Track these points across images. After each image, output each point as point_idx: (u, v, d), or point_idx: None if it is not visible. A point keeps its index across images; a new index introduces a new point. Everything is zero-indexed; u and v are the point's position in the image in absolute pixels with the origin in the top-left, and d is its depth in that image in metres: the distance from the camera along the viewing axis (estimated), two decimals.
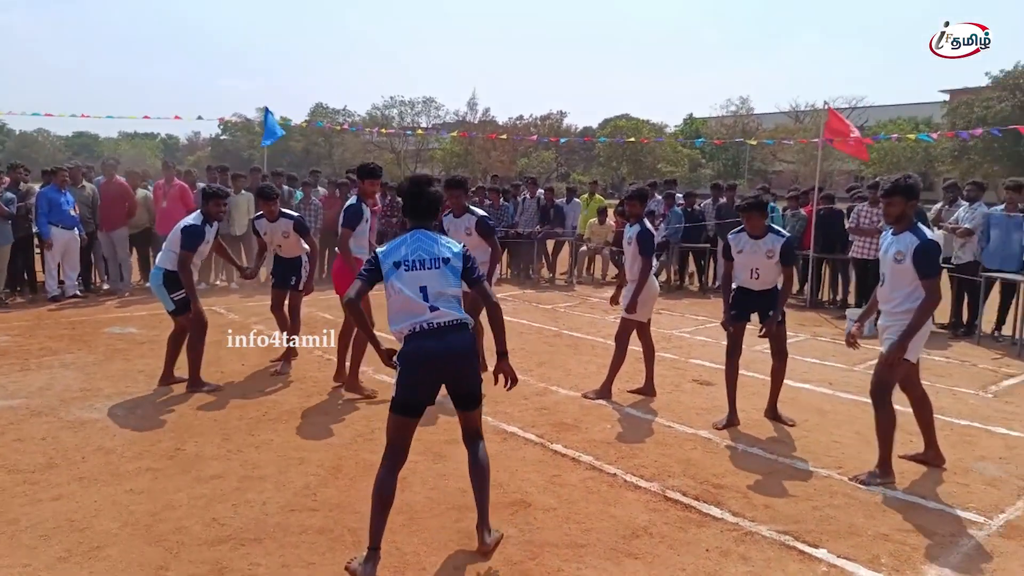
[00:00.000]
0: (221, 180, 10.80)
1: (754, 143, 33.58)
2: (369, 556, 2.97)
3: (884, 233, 4.23)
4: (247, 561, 3.07)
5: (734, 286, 5.11)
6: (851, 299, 9.76)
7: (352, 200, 5.42)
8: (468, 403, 3.26)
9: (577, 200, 12.98)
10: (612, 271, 12.61)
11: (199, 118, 56.98)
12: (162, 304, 5.61)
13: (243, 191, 10.75)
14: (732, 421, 5.00)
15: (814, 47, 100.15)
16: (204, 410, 5.07)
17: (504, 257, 12.66)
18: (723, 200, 11.70)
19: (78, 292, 9.40)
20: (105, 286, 10.09)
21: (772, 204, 11.15)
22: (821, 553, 3.25)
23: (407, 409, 3.13)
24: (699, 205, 12.08)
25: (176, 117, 25.69)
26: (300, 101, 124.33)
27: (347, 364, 5.55)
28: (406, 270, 3.08)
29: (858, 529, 3.48)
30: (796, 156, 40.65)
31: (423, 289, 3.08)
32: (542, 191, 13.08)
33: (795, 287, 10.83)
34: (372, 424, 4.84)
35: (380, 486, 3.04)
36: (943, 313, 8.91)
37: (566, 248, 12.85)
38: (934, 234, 3.96)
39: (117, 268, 9.97)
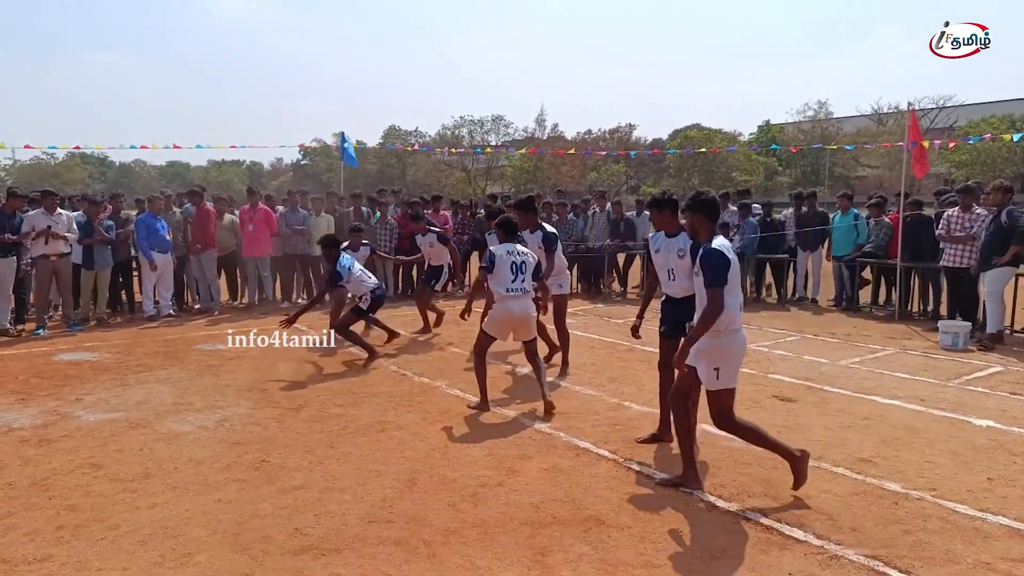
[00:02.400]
0: (301, 203, 11.27)
1: (834, 148, 32.31)
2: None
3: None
4: (328, 571, 3.16)
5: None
6: (943, 310, 9.22)
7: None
8: None
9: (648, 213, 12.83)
10: None
11: (281, 146, 59.53)
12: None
13: (323, 213, 11.16)
14: (660, 436, 4.84)
15: (895, 44, 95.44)
16: (287, 423, 5.26)
17: (574, 271, 12.66)
18: (805, 209, 11.34)
19: (172, 311, 9.97)
20: (196, 306, 10.66)
21: (855, 211, 10.74)
22: None
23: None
24: (780, 215, 11.75)
25: (264, 146, 26.97)
26: (375, 124, 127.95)
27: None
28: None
29: (956, 556, 3.27)
30: (880, 160, 38.95)
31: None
32: (611, 205, 13.01)
33: (883, 297, 10.37)
34: (445, 440, 4.91)
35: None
36: None
37: (637, 261, 12.72)
38: None
39: (207, 289, 10.52)
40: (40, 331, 8.67)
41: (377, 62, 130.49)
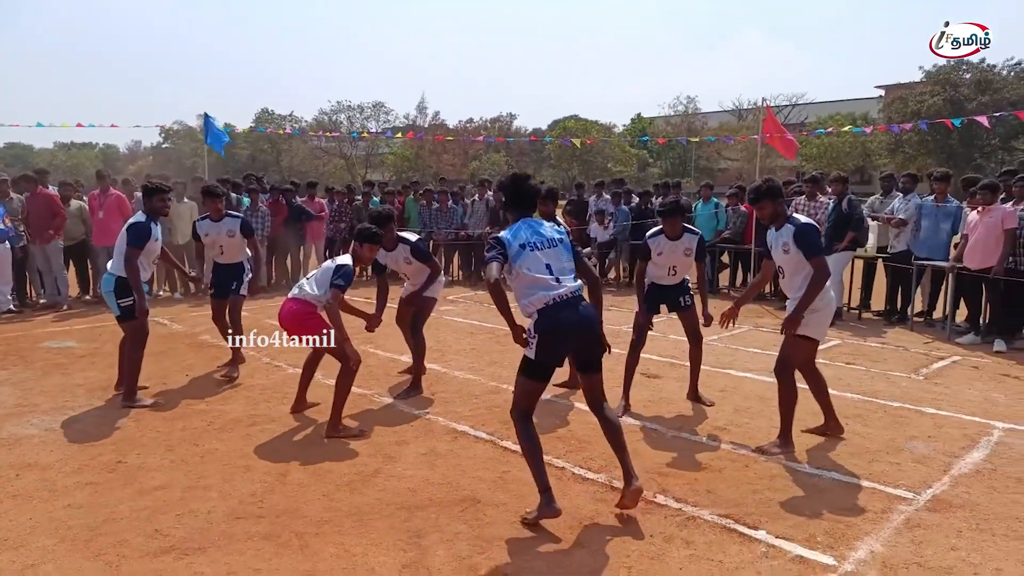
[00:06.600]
0: None
1: (696, 140, 34.29)
2: (546, 500, 3.39)
3: (768, 232, 4.64)
4: (191, 570, 3.02)
5: (648, 282, 5.50)
6: None
7: (346, 261, 4.85)
8: (594, 368, 3.63)
9: None
10: None
11: (136, 126, 55.08)
12: (110, 312, 5.43)
13: (185, 199, 10.52)
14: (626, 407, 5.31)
15: (757, 46, 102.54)
16: (147, 422, 4.95)
17: (455, 259, 12.71)
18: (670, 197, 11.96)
19: (12, 307, 9.05)
20: (41, 300, 9.74)
21: (715, 200, 11.48)
22: (760, 534, 3.36)
23: (544, 374, 3.57)
24: (653, 203, 12.31)
25: (113, 125, 24.94)
26: (245, 107, 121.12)
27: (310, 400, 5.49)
28: (531, 251, 3.49)
29: (796, 510, 3.62)
30: (739, 153, 41.62)
31: (548, 266, 3.49)
32: (491, 193, 13.12)
33: (740, 279, 11.17)
34: (320, 430, 4.81)
35: (530, 437, 3.51)
36: (879, 300, 9.28)
37: None
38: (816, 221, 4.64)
39: (53, 281, 9.62)
40: None
41: (248, 42, 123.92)
